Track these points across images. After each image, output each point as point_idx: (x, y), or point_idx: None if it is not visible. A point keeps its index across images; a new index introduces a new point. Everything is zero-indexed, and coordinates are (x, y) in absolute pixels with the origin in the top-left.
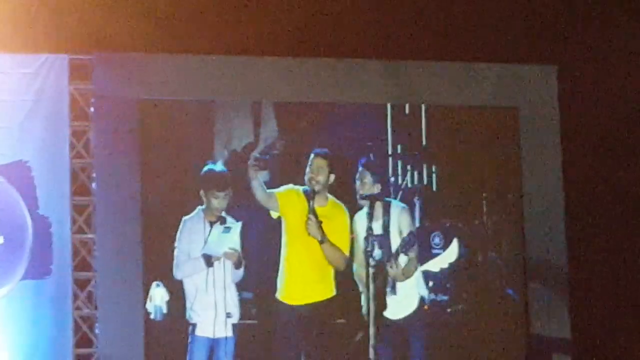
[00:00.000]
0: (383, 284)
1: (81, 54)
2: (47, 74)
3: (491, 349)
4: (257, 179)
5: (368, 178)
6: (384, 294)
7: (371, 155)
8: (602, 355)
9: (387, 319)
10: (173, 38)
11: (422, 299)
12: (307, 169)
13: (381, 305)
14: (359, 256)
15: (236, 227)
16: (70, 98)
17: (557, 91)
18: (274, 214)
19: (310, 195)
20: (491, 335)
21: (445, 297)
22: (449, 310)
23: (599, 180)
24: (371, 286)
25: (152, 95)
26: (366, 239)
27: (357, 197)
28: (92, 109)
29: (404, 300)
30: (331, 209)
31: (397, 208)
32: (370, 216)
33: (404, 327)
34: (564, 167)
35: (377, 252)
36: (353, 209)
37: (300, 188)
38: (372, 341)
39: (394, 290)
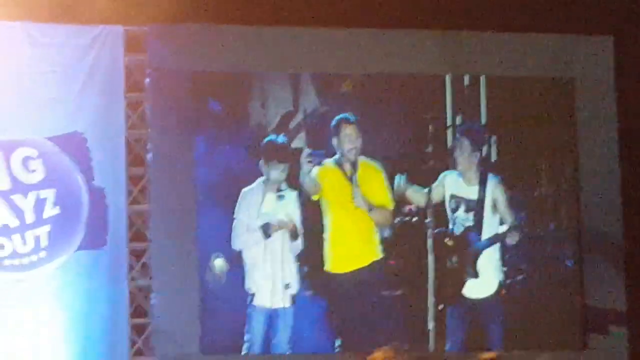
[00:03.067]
0: (467, 257)
1: (136, 25)
2: (102, 45)
3: (548, 320)
4: (308, 173)
5: (466, 145)
6: (467, 270)
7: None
8: None
9: (463, 296)
10: (227, 9)
11: (500, 283)
12: (335, 139)
13: (462, 275)
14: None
15: (291, 195)
16: (125, 69)
17: (614, 62)
18: (315, 197)
19: (344, 166)
20: (548, 306)
21: (505, 269)
22: (508, 281)
23: None
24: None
25: (206, 66)
26: (453, 197)
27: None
28: (147, 80)
29: (485, 279)
30: (365, 171)
31: (493, 180)
32: (463, 180)
33: (476, 305)
34: (620, 138)
35: (462, 215)
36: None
37: (332, 160)
38: (432, 311)
39: (474, 267)
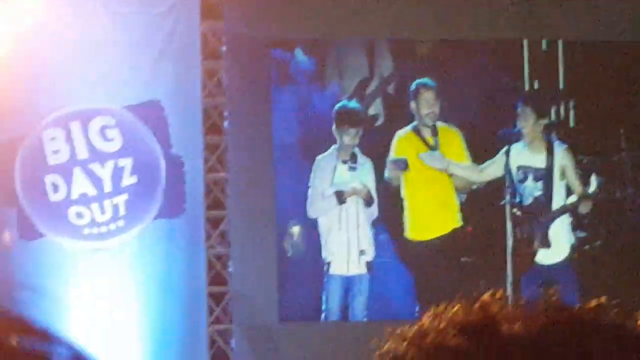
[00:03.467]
0: (537, 226)
1: None
2: (178, 13)
3: (626, 285)
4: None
5: (530, 114)
6: (545, 234)
7: (533, 90)
8: None
9: (536, 263)
10: None
11: (572, 247)
12: (413, 103)
13: (538, 241)
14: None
15: (363, 165)
16: (202, 37)
17: None
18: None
19: (422, 132)
20: (627, 271)
21: (584, 234)
22: (586, 247)
23: None
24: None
25: (283, 33)
26: (520, 168)
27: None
28: (223, 48)
29: (555, 244)
30: (444, 135)
31: (560, 147)
32: (529, 149)
33: (550, 270)
34: None
35: (531, 185)
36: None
37: (409, 128)
38: (510, 278)
39: (546, 237)
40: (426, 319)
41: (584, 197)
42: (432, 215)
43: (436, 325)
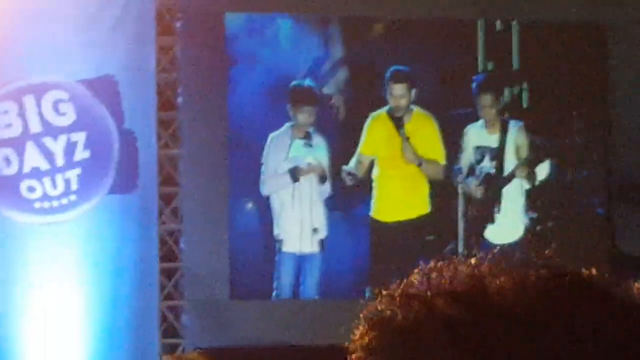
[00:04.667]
0: (492, 199)
1: None
2: None
3: (576, 267)
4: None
5: (485, 94)
6: (492, 212)
7: (489, 71)
8: None
9: (487, 240)
10: None
11: (526, 228)
12: (387, 87)
13: (485, 219)
14: (465, 167)
15: (318, 144)
16: (156, 13)
17: None
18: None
19: (395, 119)
20: (578, 252)
21: (535, 215)
22: (538, 227)
23: None
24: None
25: (237, 8)
26: (478, 148)
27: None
28: (178, 24)
29: (508, 225)
30: (418, 121)
31: (515, 126)
32: (486, 129)
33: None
34: None
35: (488, 164)
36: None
37: (383, 110)
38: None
39: (498, 210)
40: (415, 278)
41: (521, 164)
42: (401, 199)
43: (424, 291)
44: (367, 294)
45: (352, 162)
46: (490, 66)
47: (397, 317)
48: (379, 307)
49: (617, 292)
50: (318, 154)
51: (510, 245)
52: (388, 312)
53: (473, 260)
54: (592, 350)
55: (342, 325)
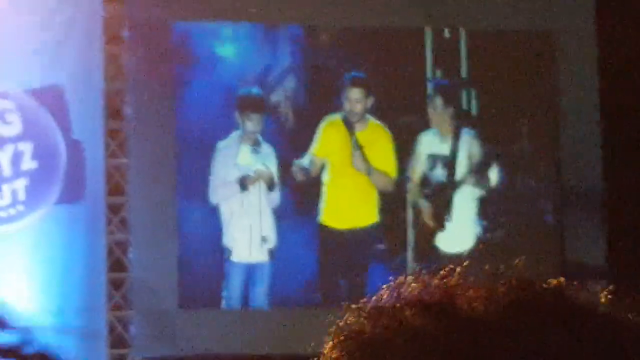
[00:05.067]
0: (442, 207)
1: None
2: None
3: (527, 275)
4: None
5: (438, 102)
6: (443, 219)
7: (441, 79)
8: (638, 282)
9: (438, 249)
10: None
11: (478, 238)
12: (343, 95)
13: (436, 227)
14: (417, 175)
15: (266, 150)
16: (104, 21)
17: (595, 15)
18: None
19: (349, 125)
20: (528, 261)
21: (485, 222)
22: (488, 235)
23: (638, 105)
24: (427, 205)
25: (185, 17)
26: (430, 156)
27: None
28: (126, 33)
29: (459, 233)
30: (372, 132)
31: (468, 134)
32: (439, 138)
33: (453, 260)
34: (600, 92)
35: (440, 173)
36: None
37: (338, 116)
38: (410, 264)
39: (449, 218)
40: (385, 292)
41: (471, 170)
42: (351, 206)
43: (393, 302)
44: (317, 303)
45: (305, 160)
46: (439, 74)
47: (366, 330)
48: (348, 321)
49: (586, 299)
50: (266, 161)
51: (461, 254)
52: (357, 325)
53: (442, 273)
54: (565, 358)
55: (291, 334)
